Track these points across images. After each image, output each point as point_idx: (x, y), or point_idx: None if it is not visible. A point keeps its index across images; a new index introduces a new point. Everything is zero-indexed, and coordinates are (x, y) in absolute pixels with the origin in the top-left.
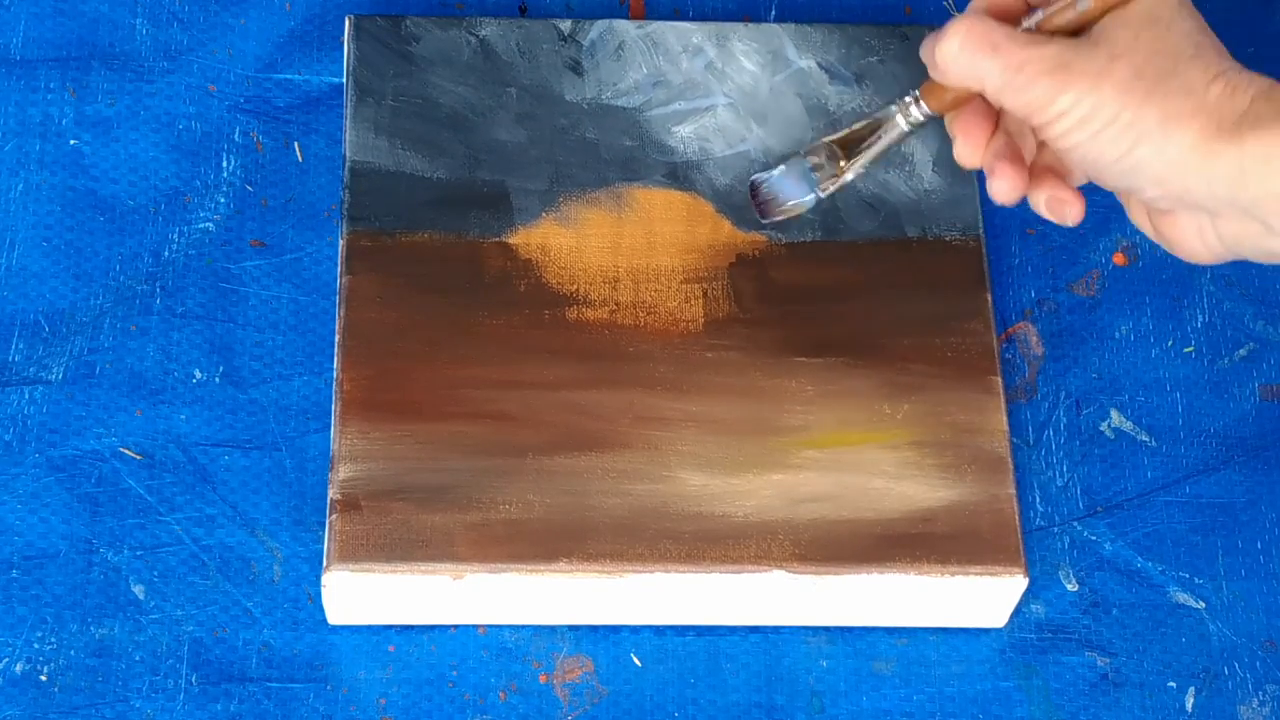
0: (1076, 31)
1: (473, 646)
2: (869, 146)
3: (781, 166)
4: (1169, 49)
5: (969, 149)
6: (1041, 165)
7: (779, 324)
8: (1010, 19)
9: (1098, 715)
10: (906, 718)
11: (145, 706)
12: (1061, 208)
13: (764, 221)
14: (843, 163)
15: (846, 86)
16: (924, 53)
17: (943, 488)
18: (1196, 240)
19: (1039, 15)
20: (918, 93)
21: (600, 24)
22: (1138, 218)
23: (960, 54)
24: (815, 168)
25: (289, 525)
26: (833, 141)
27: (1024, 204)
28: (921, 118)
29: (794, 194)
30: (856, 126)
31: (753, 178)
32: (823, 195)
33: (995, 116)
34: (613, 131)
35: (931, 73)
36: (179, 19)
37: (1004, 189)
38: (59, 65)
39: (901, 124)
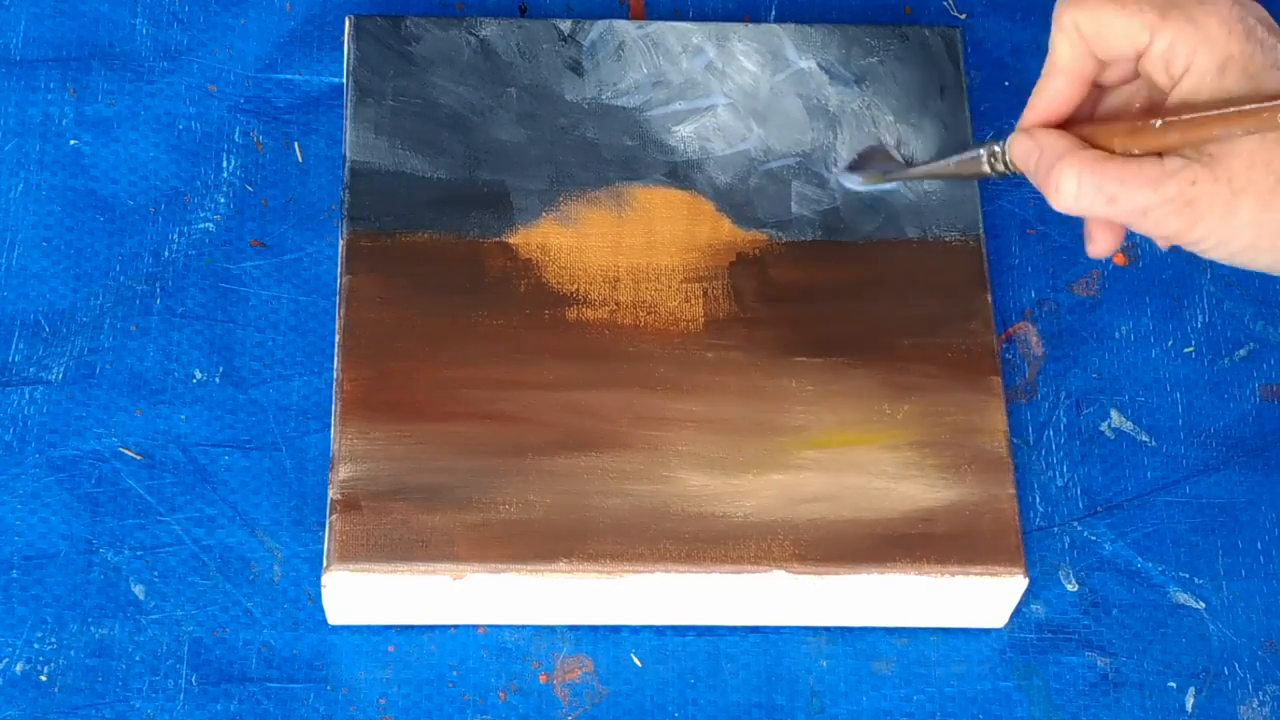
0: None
1: (473, 646)
2: (946, 174)
3: (864, 171)
4: None
5: (1104, 247)
6: None
7: (779, 323)
8: (1083, 100)
9: (1098, 715)
10: (906, 718)
11: (145, 706)
12: (1090, 243)
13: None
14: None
15: (846, 86)
16: (1023, 161)
17: (943, 488)
18: None
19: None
20: (1006, 145)
21: (600, 24)
22: None
23: (1078, 203)
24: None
25: (289, 525)
26: (913, 175)
27: (1024, 204)
28: (1006, 171)
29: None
30: (942, 164)
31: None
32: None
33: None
34: (613, 131)
35: (1047, 198)
36: (179, 19)
37: (1102, 249)
38: (59, 65)
39: (986, 170)
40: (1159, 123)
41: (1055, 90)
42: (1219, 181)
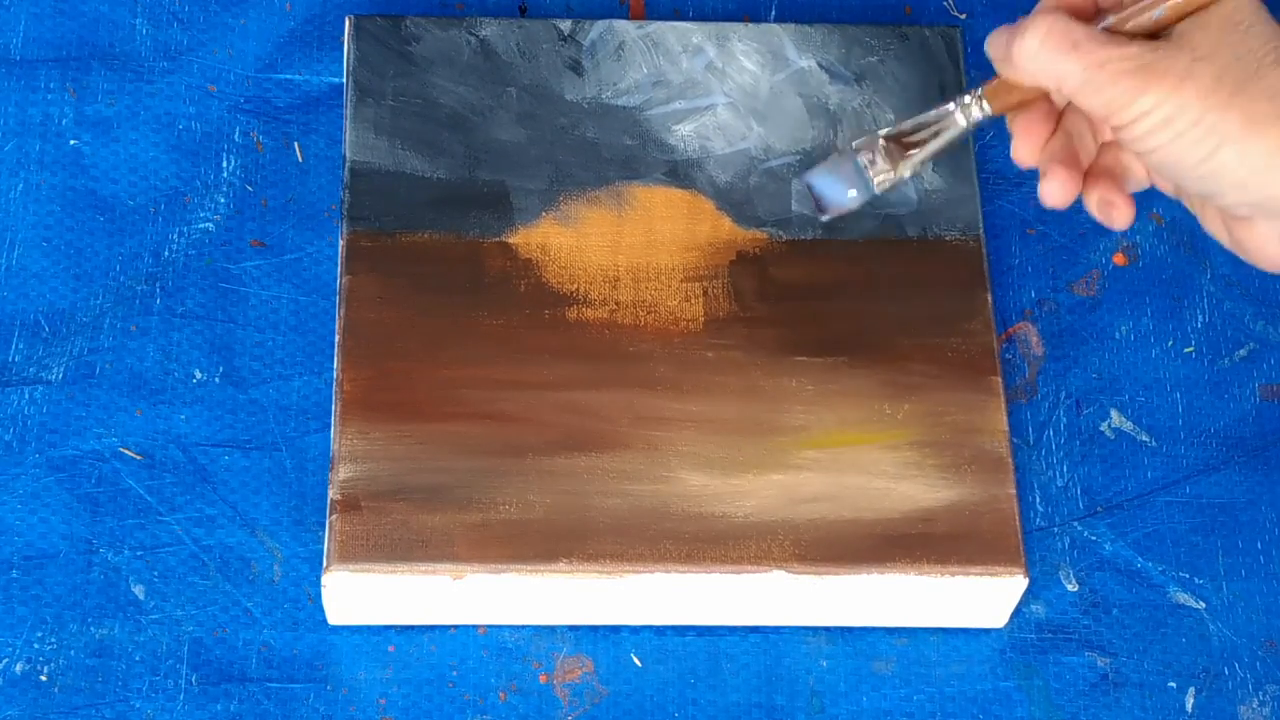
0: (1153, 35)
1: (473, 646)
2: (925, 144)
3: (829, 161)
4: (1250, 53)
5: (1027, 148)
6: (1099, 168)
7: (779, 323)
8: (1082, 20)
9: (1098, 715)
10: (906, 718)
11: (145, 706)
12: (1110, 210)
13: (822, 219)
14: (898, 161)
15: (846, 86)
16: (992, 49)
17: (943, 488)
18: (1276, 247)
19: (1112, 19)
20: (981, 92)
21: (600, 24)
22: (1212, 225)
23: (1040, 52)
24: (868, 164)
25: (289, 525)
26: (886, 137)
27: (1024, 204)
28: (981, 117)
29: (842, 193)
30: (911, 123)
31: (804, 176)
32: (877, 192)
33: (1056, 117)
34: (613, 131)
35: (1001, 70)
36: (179, 19)
37: (1055, 191)
38: (59, 65)
39: (961, 122)
40: (1160, 11)
41: None
42: (1181, 49)
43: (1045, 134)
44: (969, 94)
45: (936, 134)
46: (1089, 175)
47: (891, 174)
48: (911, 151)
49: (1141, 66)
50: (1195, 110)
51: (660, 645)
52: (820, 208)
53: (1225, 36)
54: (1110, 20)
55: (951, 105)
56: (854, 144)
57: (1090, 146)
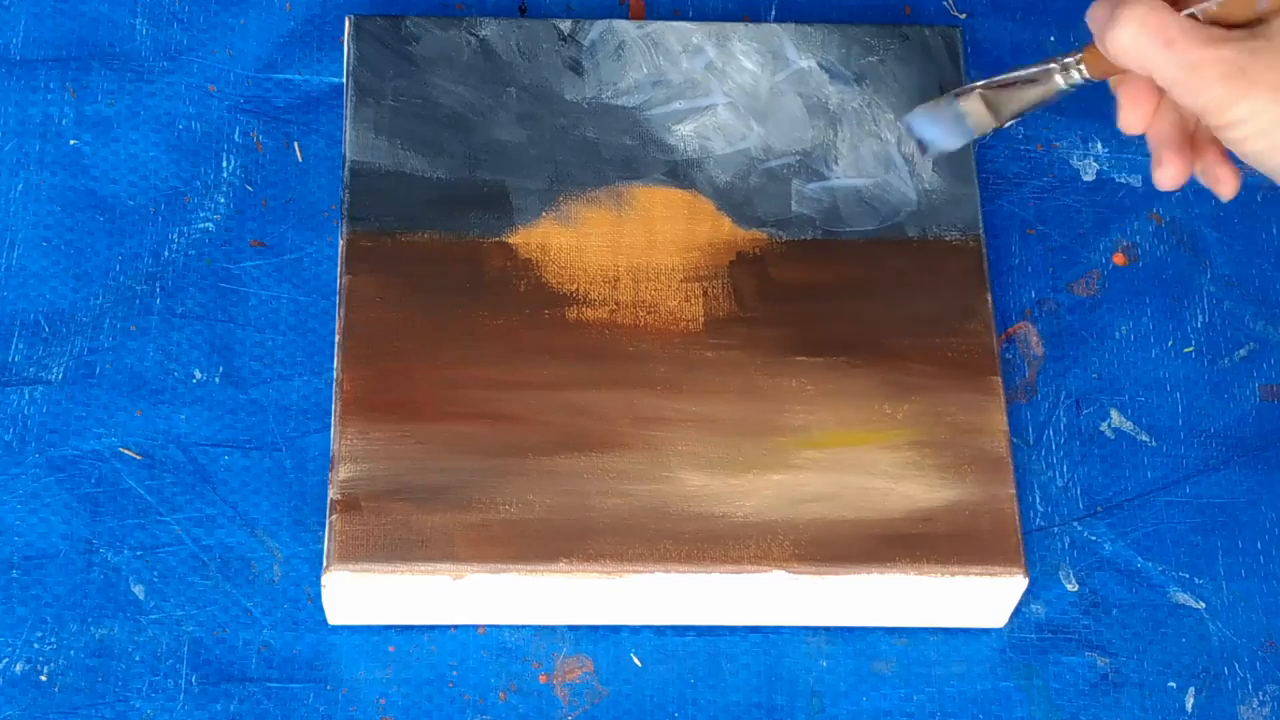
0: (1253, 22)
1: (473, 646)
2: (1022, 99)
3: (929, 105)
4: None
5: (1135, 118)
6: (1204, 134)
7: (779, 323)
8: (1176, 4)
9: (1098, 715)
10: (906, 718)
11: (145, 706)
12: (1217, 183)
13: (924, 156)
14: (996, 109)
15: (846, 86)
16: (1092, 22)
17: (943, 488)
18: None
19: (1213, 3)
20: (1081, 55)
21: (600, 24)
22: None
23: (1134, 44)
24: (966, 112)
25: (289, 525)
26: (985, 87)
27: (1024, 204)
28: (1080, 80)
29: (942, 136)
30: (1013, 76)
31: (904, 118)
32: (975, 136)
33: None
34: (613, 131)
35: (1099, 44)
36: (179, 19)
37: (1169, 177)
38: (59, 65)
39: (1060, 83)
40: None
41: None
42: (1278, 53)
43: (1152, 102)
44: (1070, 55)
45: (1033, 90)
46: (1194, 145)
47: (991, 124)
48: (1009, 104)
49: (1237, 71)
50: None
51: (660, 645)
52: (921, 148)
53: None
54: (1210, 4)
55: (1053, 64)
56: (954, 91)
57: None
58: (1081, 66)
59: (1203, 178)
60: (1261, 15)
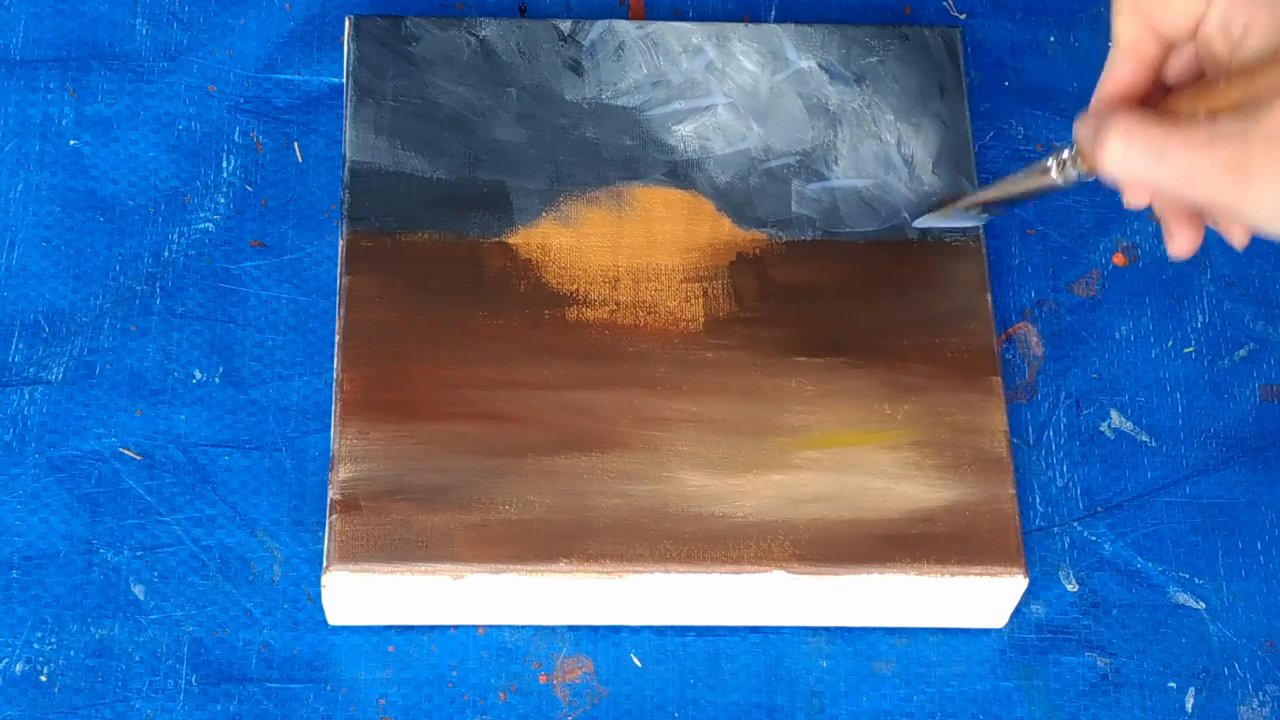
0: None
1: (473, 646)
2: (1020, 194)
3: (938, 214)
4: None
5: (1137, 201)
6: None
7: (779, 323)
8: (1149, 81)
9: (1098, 715)
10: (906, 718)
11: (145, 706)
12: (1229, 237)
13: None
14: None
15: (846, 86)
16: (1080, 138)
17: (943, 488)
18: None
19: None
20: (1075, 151)
21: (600, 24)
22: None
23: (1125, 163)
24: (970, 214)
25: (289, 525)
26: (986, 199)
27: (1023, 204)
28: (1077, 178)
29: (953, 224)
30: (1011, 179)
31: (915, 223)
32: (982, 219)
33: None
34: (613, 131)
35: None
36: (179, 19)
37: (1181, 248)
38: (59, 65)
39: (1058, 181)
40: (1219, 85)
41: (1119, 72)
42: (1274, 140)
43: (1151, 188)
44: (1066, 150)
45: (1032, 187)
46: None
47: (991, 214)
48: (1010, 202)
49: (1236, 166)
50: None
51: (660, 645)
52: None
53: None
54: (1188, 91)
55: (1049, 161)
56: (958, 204)
57: None
58: (1078, 164)
59: (1219, 231)
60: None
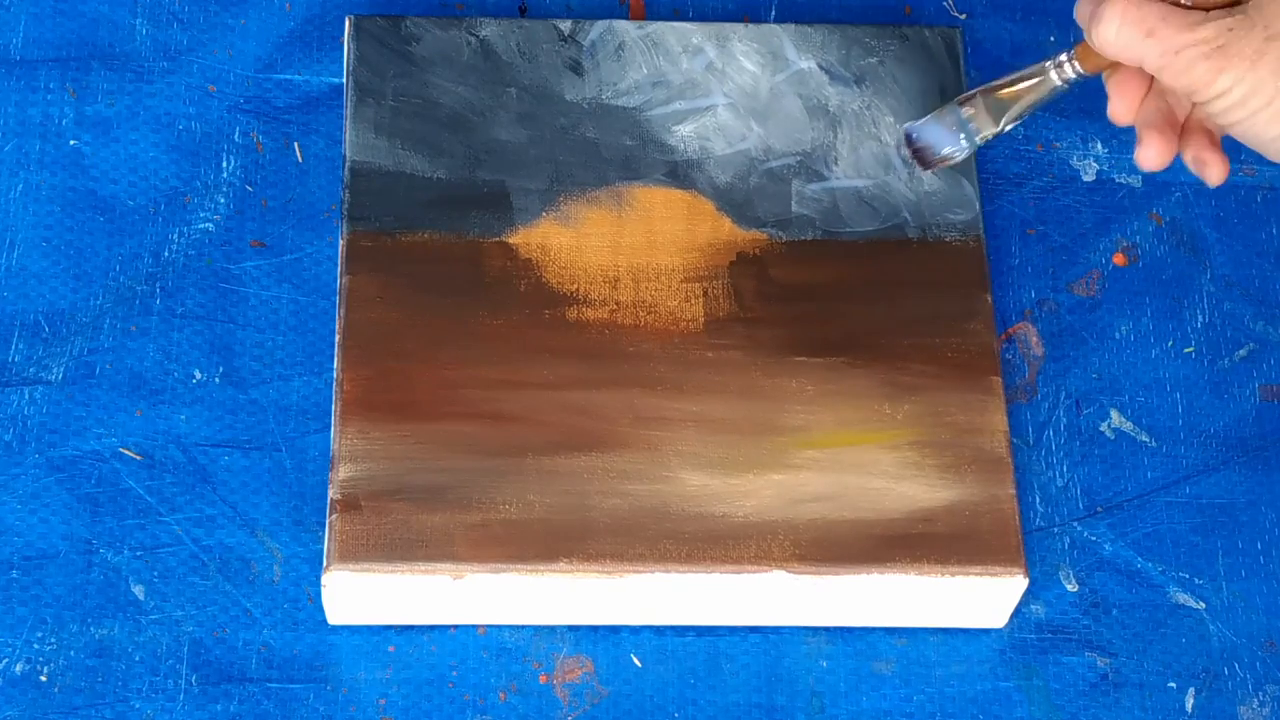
0: (1235, 2)
1: (473, 646)
2: (1020, 98)
3: (933, 115)
4: None
5: (1123, 107)
6: (1193, 124)
7: (779, 323)
8: None
9: (1098, 715)
10: (906, 718)
11: (145, 707)
12: (1204, 168)
13: (925, 171)
14: (997, 116)
15: (846, 87)
16: (1079, 17)
17: (943, 488)
18: None
19: None
20: (1073, 52)
21: (600, 24)
22: None
23: (1117, 37)
24: (969, 118)
25: (289, 525)
26: (984, 92)
27: (1024, 204)
28: (1074, 76)
29: (949, 142)
30: (1008, 79)
31: (905, 126)
32: (978, 143)
33: (1150, 77)
34: (613, 131)
35: (1088, 39)
36: (179, 19)
37: (1151, 156)
38: (59, 65)
39: (1055, 80)
40: None
41: None
42: (1254, 26)
43: (1140, 93)
44: (1064, 53)
45: (1030, 89)
46: (1183, 132)
47: (993, 127)
48: (1009, 107)
49: (1216, 49)
50: (1269, 90)
51: (660, 645)
52: (923, 160)
53: None
54: None
55: (1047, 63)
56: (958, 99)
57: (1185, 103)
58: (1074, 62)
59: (1192, 165)
60: None
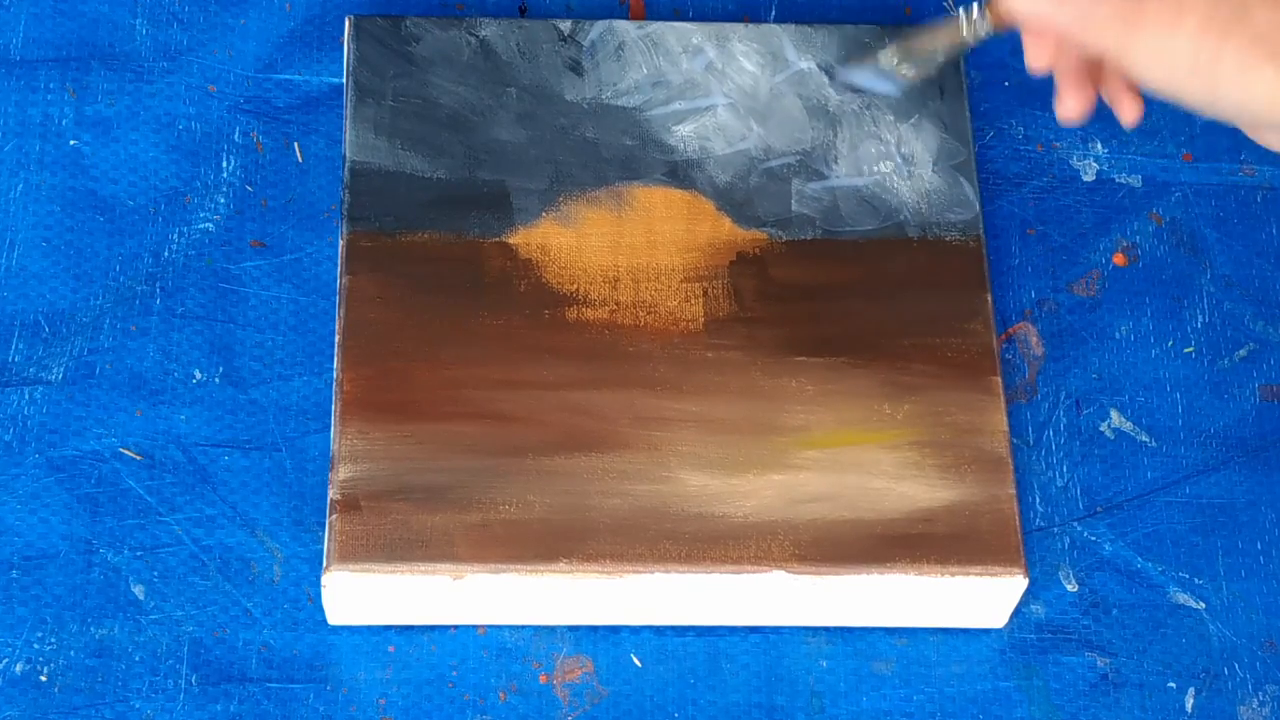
0: None
1: (473, 647)
2: (934, 46)
3: (857, 62)
4: None
5: (1038, 58)
6: (1109, 66)
7: (779, 323)
8: None
9: (1098, 715)
10: (906, 718)
11: (145, 707)
12: (1119, 108)
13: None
14: (916, 61)
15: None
16: None
17: (943, 488)
18: None
19: None
20: (984, 6)
21: (600, 24)
22: (1267, 139)
23: (1028, 4)
24: (888, 65)
25: (289, 525)
26: (900, 43)
27: (1024, 204)
28: (985, 33)
29: (877, 85)
30: (922, 28)
31: (840, 75)
32: (902, 85)
33: None
34: (613, 131)
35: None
36: (179, 19)
37: (1069, 108)
38: (59, 65)
39: (965, 34)
40: None
41: None
42: None
43: (1053, 43)
44: (975, 6)
45: (943, 39)
46: (1099, 77)
47: (911, 70)
48: (924, 53)
49: (1130, 11)
50: (1187, 55)
51: (660, 645)
52: (853, 87)
53: None
54: None
55: (959, 15)
56: (878, 53)
57: None
58: (985, 17)
59: (1110, 105)
60: None
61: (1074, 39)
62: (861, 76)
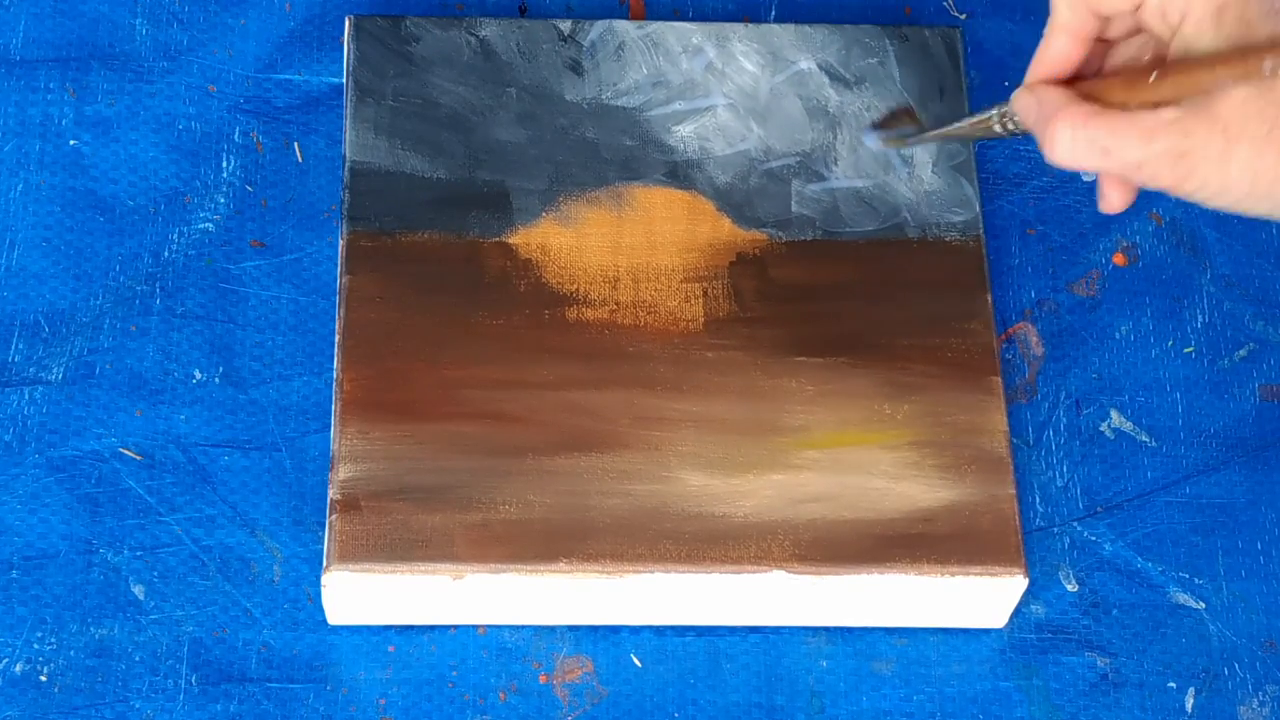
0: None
1: (473, 646)
2: (957, 138)
3: (883, 133)
4: (1276, 107)
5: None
6: None
7: (779, 323)
8: (1084, 58)
9: (1098, 715)
10: (906, 718)
11: (145, 707)
12: (1109, 196)
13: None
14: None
15: (846, 87)
16: (1020, 112)
17: (943, 488)
18: None
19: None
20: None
21: (600, 24)
22: None
23: (1073, 158)
24: (910, 153)
25: (289, 525)
26: (929, 137)
27: (1024, 204)
28: (1019, 130)
29: (890, 160)
30: (955, 129)
31: (866, 131)
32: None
33: None
34: (613, 131)
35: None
36: (179, 19)
37: (1112, 206)
38: (59, 65)
39: (1000, 132)
40: (1153, 76)
41: (1057, 48)
42: (1213, 131)
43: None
44: (1007, 107)
45: (971, 132)
46: None
47: (929, 158)
48: (945, 140)
49: (1178, 157)
50: (1242, 187)
51: (660, 645)
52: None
53: (1252, 104)
54: (1122, 58)
55: (994, 117)
56: (909, 140)
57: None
58: (1018, 123)
59: (1099, 187)
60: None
61: (1128, 181)
62: (877, 144)
